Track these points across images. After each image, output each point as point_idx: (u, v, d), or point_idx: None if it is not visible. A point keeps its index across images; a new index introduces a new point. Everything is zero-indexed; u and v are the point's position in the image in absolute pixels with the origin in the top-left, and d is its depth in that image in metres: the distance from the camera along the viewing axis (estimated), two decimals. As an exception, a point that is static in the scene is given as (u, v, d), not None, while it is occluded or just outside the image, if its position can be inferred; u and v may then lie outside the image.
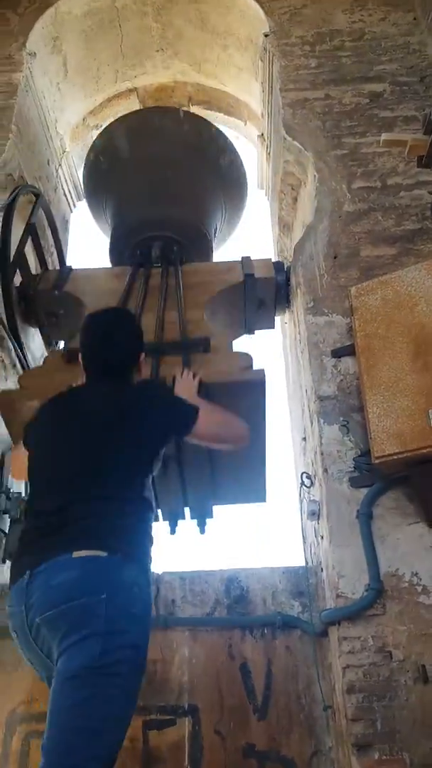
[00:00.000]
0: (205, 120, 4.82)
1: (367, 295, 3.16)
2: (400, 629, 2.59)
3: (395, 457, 2.75)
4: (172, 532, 3.42)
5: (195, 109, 5.89)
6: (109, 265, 4.44)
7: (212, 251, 4.53)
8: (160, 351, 3.22)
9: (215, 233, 4.64)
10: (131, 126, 4.65)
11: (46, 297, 3.99)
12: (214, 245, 4.59)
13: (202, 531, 3.45)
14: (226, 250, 5.02)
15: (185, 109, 5.17)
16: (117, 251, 4.42)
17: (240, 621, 3.14)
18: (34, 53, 4.84)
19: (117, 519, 1.95)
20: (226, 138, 4.72)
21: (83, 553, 1.83)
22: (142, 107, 5.74)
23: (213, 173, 4.59)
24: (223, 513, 3.56)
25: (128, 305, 3.57)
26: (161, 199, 4.37)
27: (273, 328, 4.27)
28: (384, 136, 3.13)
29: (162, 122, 4.60)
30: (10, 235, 3.90)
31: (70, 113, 5.56)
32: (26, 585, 1.84)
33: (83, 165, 4.89)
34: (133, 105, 5.84)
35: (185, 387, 2.67)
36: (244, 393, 2.95)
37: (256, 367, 3.08)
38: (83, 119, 5.75)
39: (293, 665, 3.03)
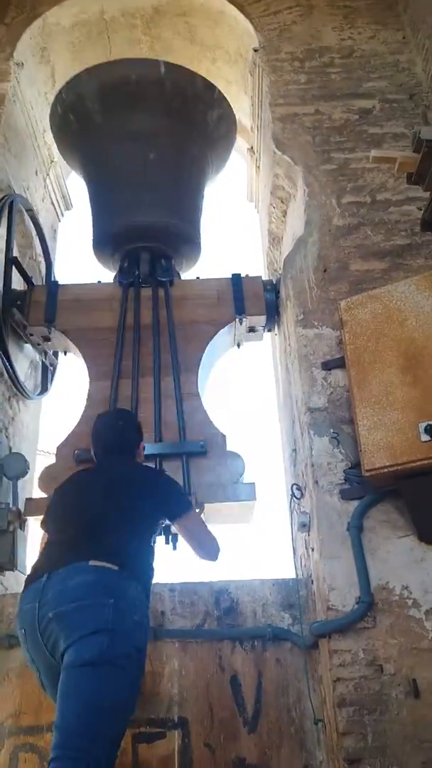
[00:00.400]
0: (186, 71, 4.55)
1: (356, 308, 3.19)
2: (391, 642, 2.61)
3: (385, 470, 2.78)
4: (174, 548, 3.44)
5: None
6: (96, 269, 4.57)
7: (200, 245, 4.58)
8: (161, 456, 3.53)
9: (202, 211, 4.63)
10: (104, 85, 4.37)
11: (37, 329, 4.09)
12: (200, 232, 4.61)
13: (174, 548, 3.49)
14: (216, 256, 5.07)
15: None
16: (102, 255, 4.47)
17: (230, 633, 3.12)
18: (22, 63, 4.83)
19: (128, 547, 2.36)
20: (212, 89, 4.54)
21: (99, 563, 2.20)
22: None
23: (200, 137, 4.46)
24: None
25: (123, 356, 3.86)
26: (145, 201, 4.30)
27: (261, 340, 4.34)
28: (373, 153, 3.16)
29: (140, 85, 4.30)
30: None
31: (59, 123, 5.55)
32: (43, 585, 2.17)
33: (49, 116, 4.74)
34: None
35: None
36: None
37: (248, 473, 3.51)
38: (71, 129, 5.74)
39: (284, 678, 3.02)
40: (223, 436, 3.61)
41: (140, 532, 2.49)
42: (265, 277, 4.41)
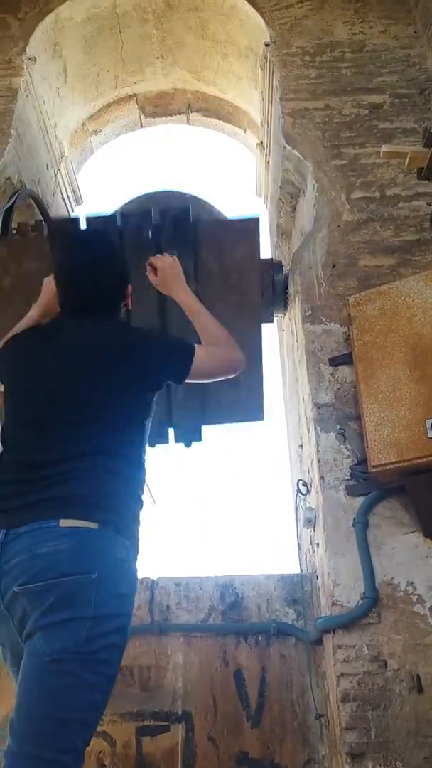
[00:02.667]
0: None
1: (365, 304, 3.18)
2: (395, 638, 2.60)
3: (392, 466, 2.77)
4: (188, 445, 3.17)
5: (194, 116, 5.93)
6: None
7: None
8: None
9: None
10: None
11: None
12: None
13: (188, 445, 3.19)
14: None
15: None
16: None
17: (235, 628, 3.14)
18: (34, 58, 4.84)
19: (108, 482, 1.75)
20: None
21: (72, 523, 1.64)
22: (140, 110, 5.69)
23: None
24: (217, 512, 3.53)
25: None
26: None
27: (272, 321, 4.21)
28: (384, 148, 3.15)
29: None
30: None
31: (70, 118, 5.57)
32: (1, 546, 1.65)
33: None
34: (132, 111, 5.87)
35: (170, 274, 2.27)
36: (237, 239, 2.85)
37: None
38: (82, 124, 5.76)
39: (287, 673, 3.03)
40: None
41: (123, 435, 1.85)
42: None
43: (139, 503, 1.86)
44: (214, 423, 3.30)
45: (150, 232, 2.83)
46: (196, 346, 1.97)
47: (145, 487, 1.97)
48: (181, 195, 3.18)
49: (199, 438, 3.25)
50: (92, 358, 1.89)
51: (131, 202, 3.30)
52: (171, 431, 3.24)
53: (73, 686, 1.54)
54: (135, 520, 1.81)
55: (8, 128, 4.36)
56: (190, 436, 3.22)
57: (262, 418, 3.27)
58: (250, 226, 2.88)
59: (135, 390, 1.90)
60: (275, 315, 4.12)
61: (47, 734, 1.51)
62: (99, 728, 2.90)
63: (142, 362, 1.89)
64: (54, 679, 1.54)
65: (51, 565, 1.60)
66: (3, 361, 2.04)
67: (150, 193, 3.27)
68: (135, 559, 1.78)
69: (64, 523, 1.63)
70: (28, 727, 1.52)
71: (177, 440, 3.23)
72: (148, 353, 1.93)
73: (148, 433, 1.97)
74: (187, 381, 1.98)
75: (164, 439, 3.23)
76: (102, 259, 2.05)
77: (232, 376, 2.07)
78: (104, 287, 2.03)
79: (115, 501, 1.75)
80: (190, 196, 3.19)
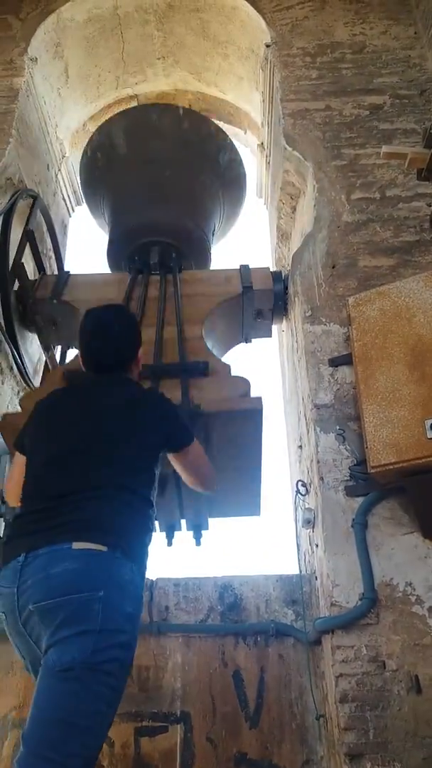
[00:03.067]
0: (204, 117, 4.81)
1: (365, 305, 3.18)
2: (394, 639, 2.60)
3: (391, 467, 2.76)
4: (169, 544, 3.39)
5: (195, 117, 5.92)
6: (106, 267, 4.47)
7: (210, 252, 4.55)
8: (159, 373, 3.23)
9: (213, 233, 4.66)
10: (129, 122, 4.62)
11: (44, 305, 3.99)
12: (212, 245, 4.61)
13: (198, 543, 3.42)
14: (224, 253, 5.05)
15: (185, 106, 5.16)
16: (115, 254, 4.43)
17: (233, 628, 3.13)
18: (36, 58, 4.86)
19: (120, 513, 1.92)
20: (225, 135, 4.71)
21: (84, 545, 1.80)
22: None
23: (212, 171, 4.58)
24: (218, 522, 3.55)
25: None
26: (159, 201, 4.37)
27: (270, 336, 4.30)
28: (384, 149, 3.15)
29: (160, 120, 4.57)
30: (8, 242, 3.91)
31: (71, 118, 5.58)
32: (21, 567, 1.81)
33: (80, 160, 4.88)
34: (133, 112, 5.88)
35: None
36: (243, 421, 2.99)
37: (253, 392, 3.12)
38: (83, 125, 5.77)
39: (286, 673, 3.03)
40: (227, 366, 3.34)
41: (137, 475, 2.06)
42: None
43: (149, 534, 2.04)
44: (219, 516, 3.51)
45: None
46: (196, 443, 2.32)
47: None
48: None
49: (206, 526, 3.47)
50: (115, 406, 2.14)
51: None
52: (183, 522, 3.46)
53: (78, 693, 1.67)
54: (143, 549, 1.99)
55: (9, 128, 4.37)
56: (198, 524, 3.44)
57: (258, 515, 3.52)
58: (256, 409, 3.03)
59: (150, 440, 2.13)
60: (274, 324, 4.16)
61: (56, 738, 1.63)
62: (97, 728, 2.91)
63: (157, 420, 2.18)
64: (64, 687, 1.68)
65: (61, 584, 1.74)
66: (26, 434, 2.25)
67: None
68: (142, 583, 1.93)
69: (76, 545, 1.80)
70: (40, 733, 1.65)
71: (188, 528, 3.47)
72: (161, 416, 2.21)
73: (157, 482, 2.17)
74: (175, 464, 2.32)
75: (178, 528, 3.47)
76: (114, 325, 2.35)
77: (206, 489, 2.40)
78: (118, 347, 2.34)
79: (124, 529, 1.91)
80: None
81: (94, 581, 1.76)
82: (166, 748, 2.92)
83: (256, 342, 4.29)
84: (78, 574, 1.76)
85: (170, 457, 2.31)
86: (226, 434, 3.00)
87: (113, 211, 4.62)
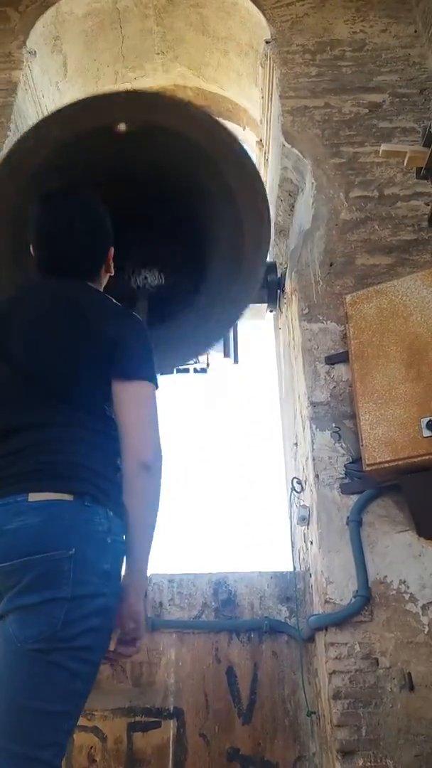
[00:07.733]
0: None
1: (362, 303, 3.19)
2: (387, 636, 2.61)
3: (386, 464, 2.77)
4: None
5: (194, 113, 5.91)
6: None
7: None
8: None
9: None
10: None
11: None
12: None
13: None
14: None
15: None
16: None
17: (227, 625, 3.14)
18: (35, 52, 4.83)
19: (83, 451, 1.57)
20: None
21: (43, 496, 1.47)
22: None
23: None
24: (215, 520, 3.54)
25: None
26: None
27: (263, 319, 4.31)
28: (384, 147, 3.15)
29: None
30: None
31: (69, 113, 5.55)
32: None
33: None
34: (132, 107, 5.86)
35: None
36: None
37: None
38: (82, 119, 5.75)
39: (279, 670, 3.04)
40: None
41: (91, 401, 1.64)
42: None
43: (118, 471, 1.63)
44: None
45: None
46: (153, 384, 1.70)
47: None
48: None
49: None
50: (63, 321, 1.70)
51: None
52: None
53: (51, 676, 1.38)
54: (117, 490, 1.59)
55: (7, 122, 4.35)
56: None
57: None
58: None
59: (102, 359, 1.66)
60: (268, 310, 4.16)
61: (25, 729, 1.36)
62: (90, 723, 2.92)
63: (112, 338, 1.67)
64: (30, 668, 1.38)
65: (20, 544, 1.44)
66: None
67: None
68: (120, 530, 1.56)
69: (33, 497, 1.47)
70: (5, 721, 1.37)
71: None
72: (126, 331, 1.71)
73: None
74: (114, 398, 1.66)
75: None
76: (81, 216, 1.83)
77: (132, 455, 1.62)
78: (82, 248, 1.83)
79: (90, 469, 1.56)
80: None
81: (60, 537, 1.44)
82: (158, 743, 2.93)
83: (253, 338, 4.31)
84: (39, 530, 1.44)
85: (114, 385, 1.67)
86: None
87: None
